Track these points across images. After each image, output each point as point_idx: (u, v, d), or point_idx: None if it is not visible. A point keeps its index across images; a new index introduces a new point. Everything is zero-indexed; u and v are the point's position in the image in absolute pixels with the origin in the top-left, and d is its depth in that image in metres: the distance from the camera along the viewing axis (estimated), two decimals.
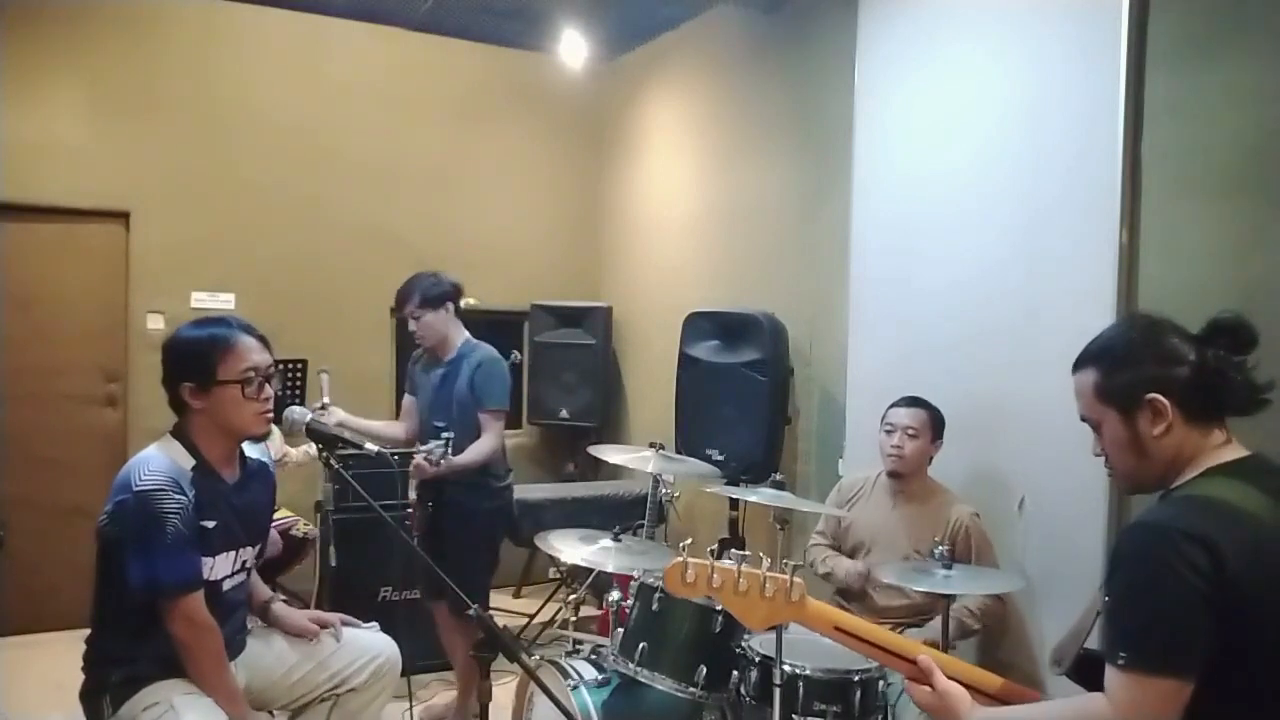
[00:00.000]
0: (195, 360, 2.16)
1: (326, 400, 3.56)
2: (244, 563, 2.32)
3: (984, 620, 2.93)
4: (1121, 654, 1.39)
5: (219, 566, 2.20)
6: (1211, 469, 1.51)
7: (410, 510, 3.47)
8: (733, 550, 1.76)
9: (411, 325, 3.49)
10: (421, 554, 2.25)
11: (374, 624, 2.58)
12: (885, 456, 3.12)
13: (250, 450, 2.35)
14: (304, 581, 4.40)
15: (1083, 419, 1.64)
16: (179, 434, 2.20)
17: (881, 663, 1.78)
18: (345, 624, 2.51)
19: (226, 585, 2.23)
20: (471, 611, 2.02)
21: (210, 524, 2.15)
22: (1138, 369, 1.55)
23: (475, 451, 3.34)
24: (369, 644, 2.46)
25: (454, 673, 3.71)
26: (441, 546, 3.37)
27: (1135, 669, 1.37)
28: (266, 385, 2.22)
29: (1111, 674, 1.40)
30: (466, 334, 3.55)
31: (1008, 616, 3.06)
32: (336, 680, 2.38)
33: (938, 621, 2.87)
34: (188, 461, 2.15)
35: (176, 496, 2.06)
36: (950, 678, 1.66)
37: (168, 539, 2.02)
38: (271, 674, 2.34)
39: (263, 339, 2.25)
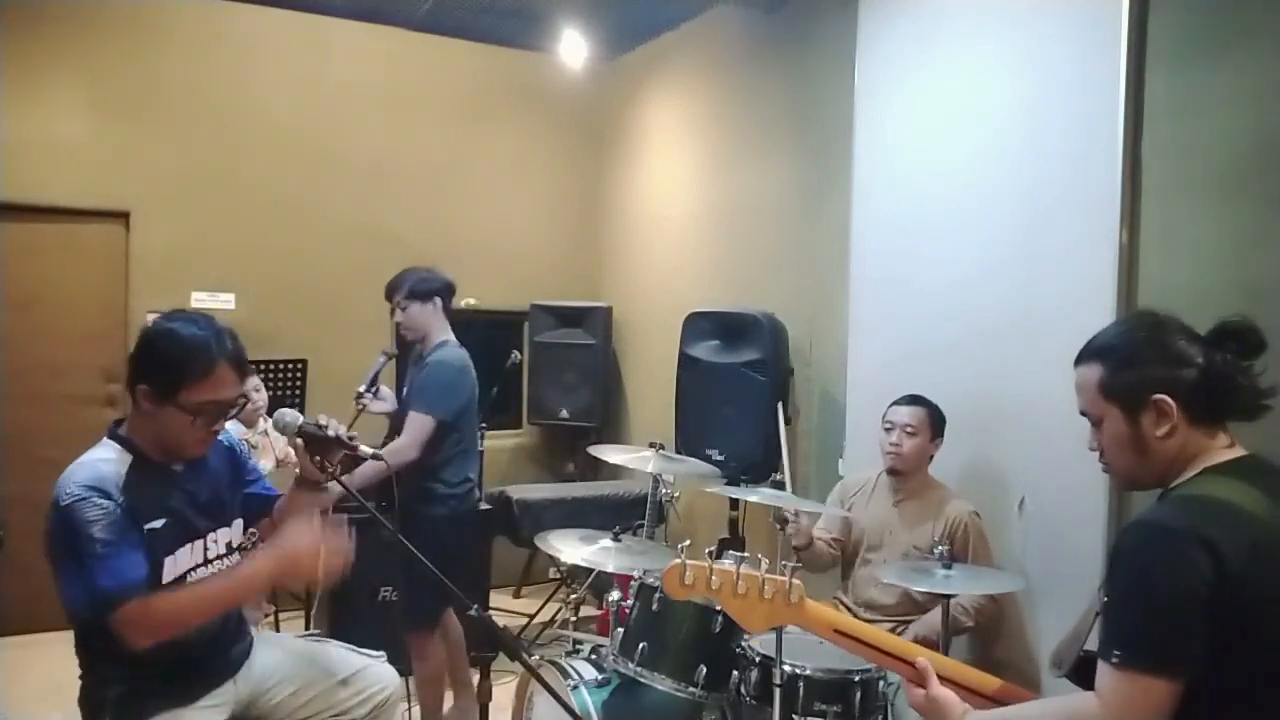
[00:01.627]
0: (165, 369, 1.98)
1: (361, 389, 3.51)
2: (228, 544, 2.17)
3: (978, 618, 2.94)
4: (1115, 652, 1.39)
5: (180, 561, 2.05)
6: (1210, 468, 1.52)
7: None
8: (731, 552, 1.76)
9: (397, 316, 3.43)
10: (419, 556, 2.23)
11: (382, 654, 2.48)
12: (884, 454, 3.13)
13: None
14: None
15: (1082, 413, 1.64)
16: (116, 434, 2.05)
17: (881, 665, 1.79)
18: (350, 649, 2.42)
19: (194, 576, 2.08)
20: (473, 611, 2.02)
21: (157, 524, 2.00)
22: (1144, 369, 1.54)
23: (387, 452, 2.94)
24: (375, 676, 2.36)
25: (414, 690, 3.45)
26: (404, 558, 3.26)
27: (1128, 667, 1.37)
28: (221, 419, 2.08)
29: (1104, 671, 1.40)
30: (448, 336, 3.44)
31: (1003, 616, 3.06)
32: (338, 710, 2.30)
33: (932, 616, 2.88)
34: (124, 461, 1.98)
35: (100, 504, 1.89)
36: (948, 680, 1.67)
37: (97, 548, 1.86)
38: (279, 691, 2.26)
39: (242, 368, 2.08)
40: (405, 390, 3.47)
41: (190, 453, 2.10)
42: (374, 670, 2.40)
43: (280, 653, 2.33)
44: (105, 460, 1.98)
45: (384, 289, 3.47)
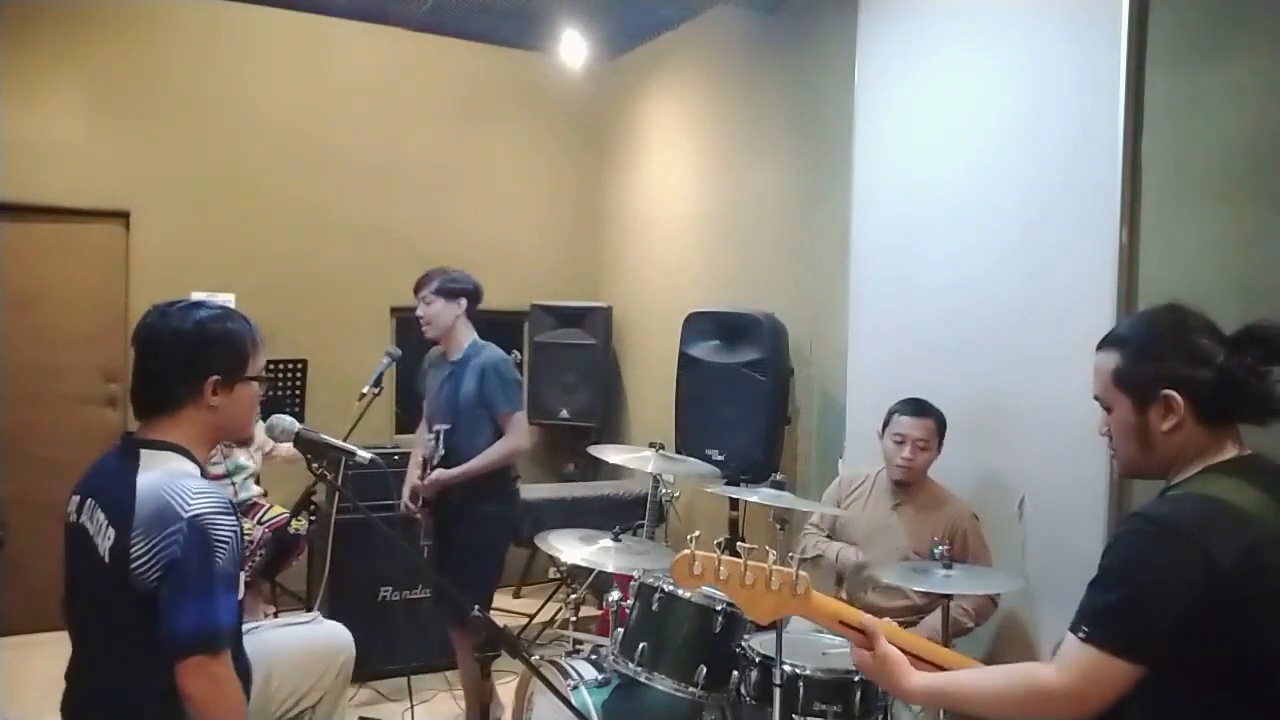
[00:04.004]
0: (232, 352, 1.95)
1: (365, 389, 3.61)
2: None
3: (978, 619, 2.94)
4: (1085, 626, 1.42)
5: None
6: (1212, 467, 1.52)
7: (418, 516, 3.44)
8: (739, 544, 1.76)
9: (420, 309, 3.48)
10: (417, 555, 2.24)
11: (315, 614, 2.47)
12: (893, 466, 3.08)
13: None
14: (299, 581, 4.40)
15: (1095, 398, 1.64)
16: (159, 444, 1.89)
17: (844, 637, 1.75)
18: (286, 622, 2.39)
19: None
20: (475, 612, 2.03)
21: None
22: (1159, 363, 1.54)
23: (493, 453, 3.36)
24: (326, 644, 2.32)
25: (460, 681, 3.68)
26: (447, 550, 3.39)
27: (1093, 643, 1.40)
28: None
29: (1070, 642, 1.43)
30: (475, 336, 3.53)
31: (998, 614, 3.06)
32: (304, 690, 2.25)
33: (930, 618, 2.88)
34: (194, 470, 1.89)
35: (231, 523, 1.80)
36: (923, 660, 1.63)
37: (217, 578, 1.76)
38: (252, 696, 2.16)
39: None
40: (451, 392, 3.46)
41: (251, 430, 2.13)
42: (323, 634, 2.35)
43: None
44: (189, 468, 1.87)
45: (390, 290, 3.52)
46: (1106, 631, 1.40)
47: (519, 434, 3.43)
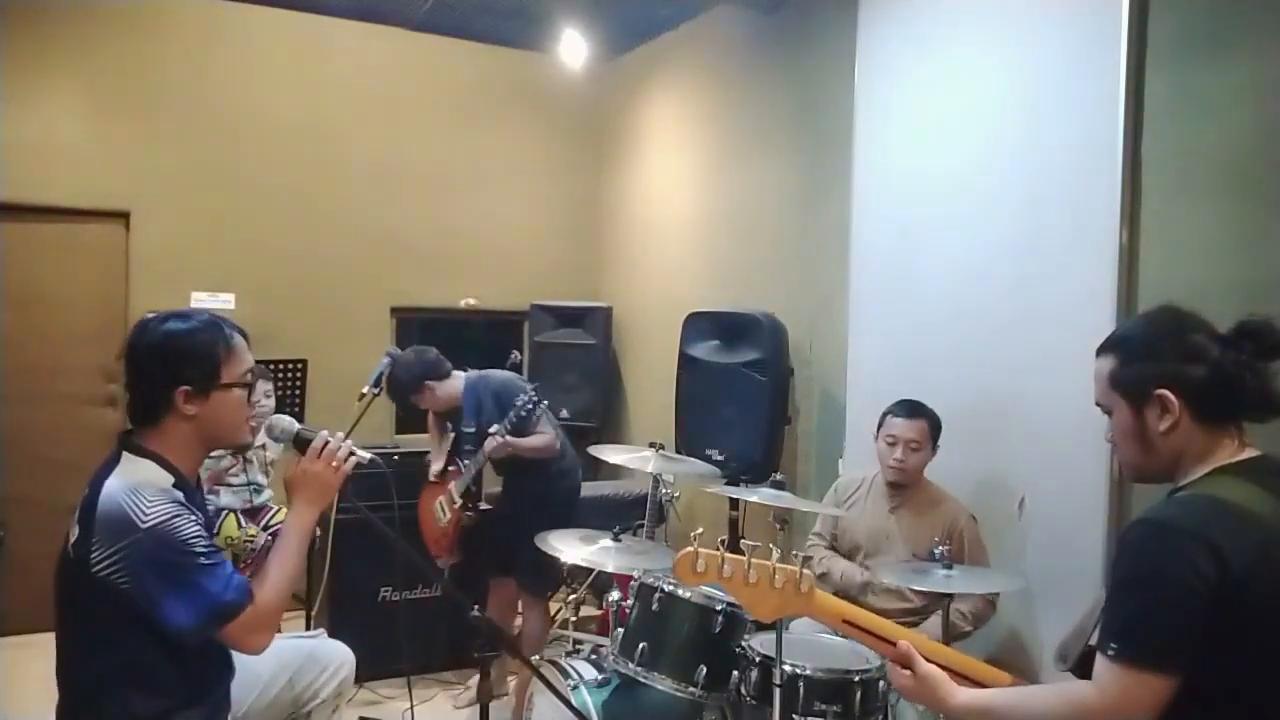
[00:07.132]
0: (199, 360, 1.94)
1: (365, 389, 3.73)
2: None
3: (975, 622, 2.93)
4: (1112, 644, 1.41)
5: None
6: (1219, 468, 1.51)
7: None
8: (742, 541, 1.76)
9: (426, 403, 3.73)
10: (414, 554, 2.24)
11: (320, 631, 2.56)
12: (886, 468, 3.07)
13: None
14: (299, 581, 4.40)
15: (1097, 404, 1.64)
16: (141, 450, 1.92)
17: (878, 651, 1.78)
18: (290, 635, 2.39)
19: None
20: (475, 612, 2.03)
21: None
22: (1152, 363, 1.54)
23: (536, 439, 3.63)
24: (330, 655, 2.37)
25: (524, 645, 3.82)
26: (518, 528, 3.49)
27: (1123, 660, 1.39)
28: (254, 390, 2.10)
29: (1101, 662, 1.43)
30: (461, 377, 3.76)
31: (997, 615, 3.05)
32: (307, 695, 2.29)
33: (930, 622, 2.88)
34: (166, 480, 1.90)
35: (191, 517, 1.85)
36: (960, 675, 1.66)
37: (202, 560, 1.83)
38: (248, 695, 2.20)
39: (245, 335, 2.07)
40: (476, 412, 3.70)
41: (244, 436, 2.12)
42: (326, 647, 2.40)
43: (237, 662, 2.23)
44: (159, 477, 1.90)
45: (393, 394, 3.74)
46: (1131, 647, 1.39)
47: (545, 424, 3.68)
